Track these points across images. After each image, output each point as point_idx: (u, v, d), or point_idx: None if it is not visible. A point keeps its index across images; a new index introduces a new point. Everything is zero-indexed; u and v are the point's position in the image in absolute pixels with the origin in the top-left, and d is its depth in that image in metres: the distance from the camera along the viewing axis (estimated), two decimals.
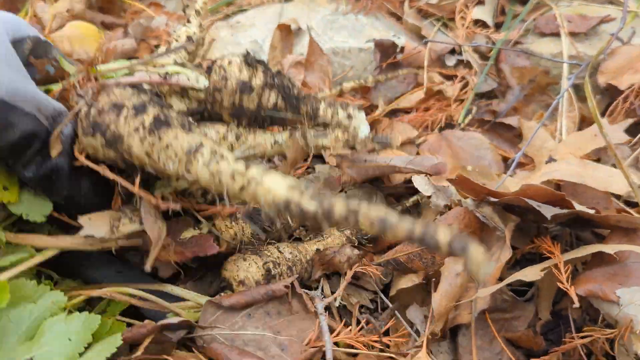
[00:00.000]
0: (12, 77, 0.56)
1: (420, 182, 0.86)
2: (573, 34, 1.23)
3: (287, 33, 1.19)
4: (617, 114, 1.05)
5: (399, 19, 1.33)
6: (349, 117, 0.77)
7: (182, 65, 0.74)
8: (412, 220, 0.47)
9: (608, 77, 1.13)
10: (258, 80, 0.73)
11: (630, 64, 1.11)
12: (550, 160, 0.88)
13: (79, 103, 0.64)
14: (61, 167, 0.61)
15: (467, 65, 1.20)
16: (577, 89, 1.19)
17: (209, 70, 0.74)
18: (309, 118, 0.77)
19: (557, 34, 1.24)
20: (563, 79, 1.15)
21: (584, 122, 1.13)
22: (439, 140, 1.08)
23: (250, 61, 0.74)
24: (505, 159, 1.04)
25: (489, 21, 1.27)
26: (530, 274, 0.69)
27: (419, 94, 1.12)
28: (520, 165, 0.99)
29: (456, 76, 1.20)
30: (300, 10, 1.31)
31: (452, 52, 1.22)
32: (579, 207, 0.71)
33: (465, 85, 1.16)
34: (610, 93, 1.15)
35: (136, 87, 0.66)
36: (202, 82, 0.73)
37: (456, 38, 1.23)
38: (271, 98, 0.74)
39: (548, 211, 0.69)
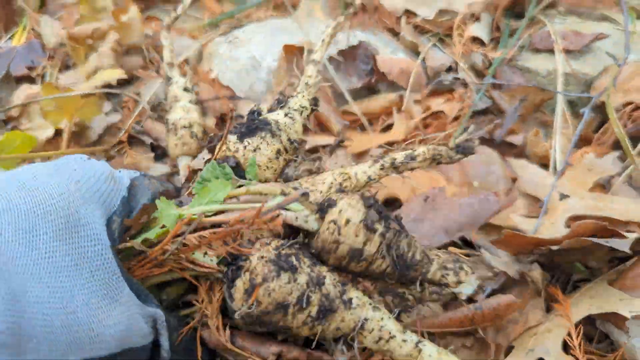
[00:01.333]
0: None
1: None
2: (567, 51, 1.25)
3: (292, 53, 1.20)
4: (609, 133, 1.08)
5: (395, 34, 1.34)
6: (459, 282, 0.71)
7: (288, 196, 0.66)
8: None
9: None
10: (373, 247, 0.67)
11: (622, 83, 1.13)
12: (563, 197, 0.89)
13: (234, 295, 0.62)
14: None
15: (465, 83, 1.22)
16: (572, 105, 1.21)
17: (321, 211, 0.68)
18: (413, 282, 0.72)
19: (551, 51, 1.26)
20: (558, 96, 1.18)
21: (580, 139, 1.15)
22: None
23: (370, 223, 0.66)
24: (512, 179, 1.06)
25: (485, 38, 1.29)
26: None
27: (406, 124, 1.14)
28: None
29: (453, 90, 1.22)
30: (298, 26, 1.32)
31: (449, 69, 1.24)
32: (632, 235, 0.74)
33: (463, 104, 1.18)
34: (602, 110, 1.17)
35: (283, 261, 0.63)
36: (312, 224, 0.67)
37: (453, 55, 1.24)
38: (382, 267, 0.69)
39: (621, 244, 0.71)
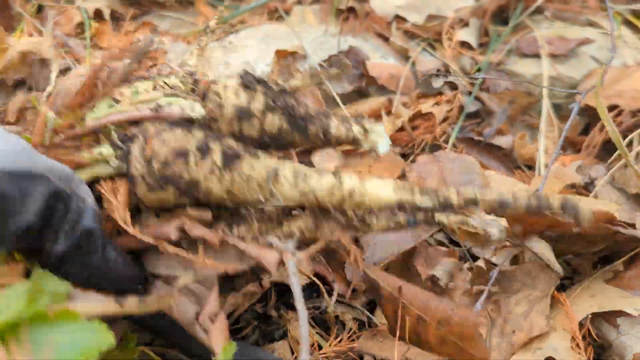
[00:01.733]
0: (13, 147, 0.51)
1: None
2: (553, 56, 1.28)
3: (285, 59, 1.23)
4: (597, 139, 1.11)
5: (386, 39, 1.37)
6: (365, 130, 0.69)
7: (174, 94, 0.69)
8: (525, 195, 0.56)
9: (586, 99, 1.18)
10: (258, 103, 0.67)
11: (606, 87, 1.16)
12: None
13: (132, 161, 0.60)
14: (94, 230, 0.55)
15: (453, 86, 1.25)
16: (557, 108, 1.24)
17: (204, 97, 0.69)
18: (319, 139, 0.70)
19: (538, 55, 1.30)
20: (543, 99, 1.21)
21: (565, 142, 1.18)
22: (431, 161, 1.12)
23: (248, 82, 0.69)
24: None
25: (474, 43, 1.32)
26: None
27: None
28: None
29: (441, 93, 1.25)
30: (290, 31, 1.35)
31: (438, 72, 1.27)
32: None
33: (451, 107, 1.21)
34: (588, 113, 1.20)
35: (176, 123, 0.63)
36: (198, 110, 0.67)
37: (443, 58, 1.27)
38: (275, 122, 0.68)
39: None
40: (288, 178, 0.59)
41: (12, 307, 0.44)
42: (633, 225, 0.82)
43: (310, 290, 0.94)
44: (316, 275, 0.93)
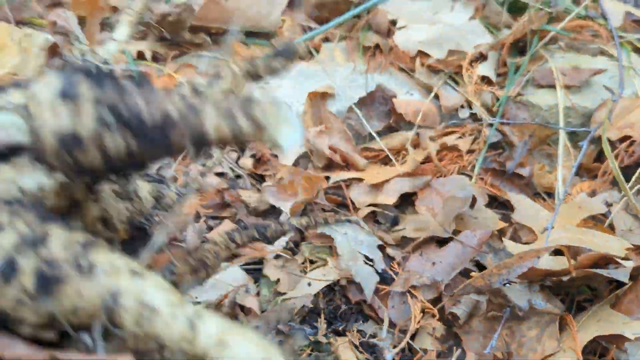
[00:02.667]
0: None
1: None
2: (567, 86, 1.37)
3: (317, 100, 1.34)
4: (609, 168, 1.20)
5: (410, 73, 1.47)
6: (260, 126, 0.48)
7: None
8: None
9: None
10: (86, 120, 0.46)
11: (618, 118, 1.25)
12: (547, 228, 1.02)
13: None
14: None
15: (475, 119, 1.35)
16: (573, 135, 1.34)
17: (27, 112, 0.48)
18: (192, 144, 0.49)
19: (553, 86, 1.39)
20: (560, 131, 1.30)
21: (581, 169, 1.28)
22: (430, 192, 1.23)
23: (68, 89, 0.46)
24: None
25: (493, 77, 1.41)
26: None
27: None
28: (514, 236, 1.15)
29: (465, 127, 1.35)
30: (321, 69, 1.46)
31: (461, 107, 1.37)
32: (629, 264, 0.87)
33: (475, 138, 1.31)
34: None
35: None
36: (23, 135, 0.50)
37: (466, 94, 1.37)
38: (118, 142, 0.47)
39: (620, 274, 0.85)
40: (131, 311, 0.44)
41: None
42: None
43: (358, 313, 1.05)
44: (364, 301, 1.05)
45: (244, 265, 1.12)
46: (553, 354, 0.87)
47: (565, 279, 0.89)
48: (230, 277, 1.04)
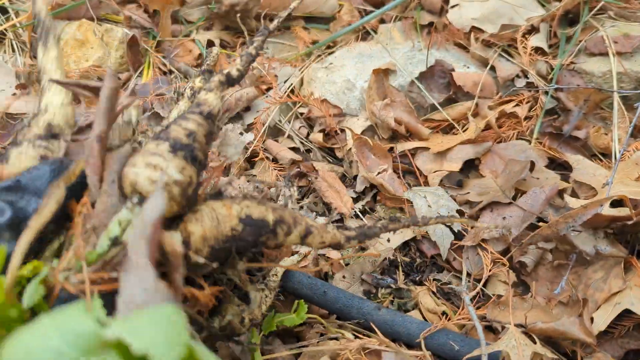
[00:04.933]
0: None
1: None
2: (619, 53, 1.44)
3: (380, 76, 1.44)
4: None
5: (465, 48, 1.56)
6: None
7: None
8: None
9: None
10: None
11: None
12: (607, 183, 1.10)
13: None
14: None
15: (531, 87, 1.43)
16: (626, 99, 1.40)
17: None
18: None
19: (605, 54, 1.46)
20: (614, 94, 1.37)
21: (636, 130, 1.35)
22: (492, 157, 1.33)
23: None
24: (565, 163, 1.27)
25: (546, 47, 1.49)
26: None
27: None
28: (573, 194, 1.23)
29: (522, 95, 1.44)
30: (381, 49, 1.55)
31: (517, 77, 1.45)
32: None
33: (532, 105, 1.39)
34: None
35: None
36: None
37: (521, 64, 1.45)
38: None
39: None
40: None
41: None
42: None
43: (432, 265, 1.16)
44: (439, 255, 1.15)
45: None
46: (620, 291, 0.96)
47: (629, 222, 0.97)
48: None
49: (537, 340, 0.92)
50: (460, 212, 1.22)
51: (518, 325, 0.96)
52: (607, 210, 1.03)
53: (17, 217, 0.57)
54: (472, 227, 1.17)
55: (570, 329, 0.91)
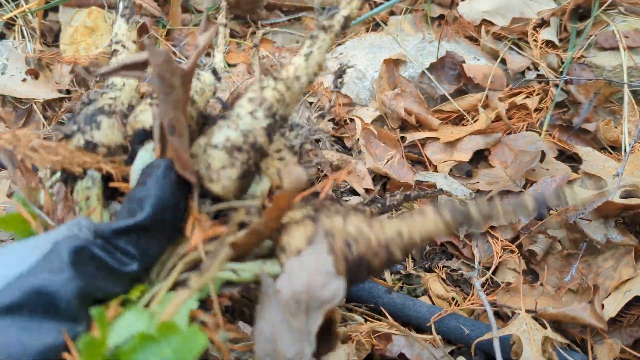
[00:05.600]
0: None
1: None
2: (630, 48, 1.44)
3: (391, 66, 1.44)
4: None
5: (475, 41, 1.56)
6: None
7: None
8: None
9: None
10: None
11: None
12: (617, 174, 1.10)
13: None
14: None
15: (541, 81, 1.43)
16: (636, 93, 1.40)
17: None
18: None
19: (616, 48, 1.46)
20: (624, 88, 1.37)
21: None
22: (502, 148, 1.33)
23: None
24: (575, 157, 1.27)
25: (556, 40, 1.49)
26: None
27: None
28: (582, 187, 1.23)
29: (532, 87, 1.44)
30: (391, 40, 1.56)
31: (528, 70, 1.45)
32: None
33: (542, 98, 1.39)
34: None
35: None
36: None
37: (532, 57, 1.46)
38: None
39: None
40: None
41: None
42: None
43: (442, 252, 1.16)
44: (448, 243, 1.15)
45: None
46: (630, 279, 0.96)
47: None
48: None
49: (547, 325, 0.93)
50: (476, 193, 1.22)
51: (528, 311, 0.96)
52: (617, 199, 1.03)
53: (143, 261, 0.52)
54: None
55: (581, 314, 0.91)
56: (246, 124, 0.60)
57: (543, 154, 1.26)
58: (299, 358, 0.49)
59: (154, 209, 0.51)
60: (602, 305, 0.96)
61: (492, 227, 1.16)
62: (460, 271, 1.11)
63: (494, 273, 1.11)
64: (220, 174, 0.57)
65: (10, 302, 0.43)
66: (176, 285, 0.53)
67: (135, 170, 0.60)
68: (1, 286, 0.44)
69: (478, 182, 1.29)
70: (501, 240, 1.14)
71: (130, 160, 0.62)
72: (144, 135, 0.62)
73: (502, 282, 1.09)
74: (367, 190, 1.28)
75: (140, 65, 0.56)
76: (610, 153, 1.33)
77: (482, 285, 1.09)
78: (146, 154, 0.60)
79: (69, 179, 0.62)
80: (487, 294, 1.04)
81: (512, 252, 1.11)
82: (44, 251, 0.47)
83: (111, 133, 0.63)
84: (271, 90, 0.61)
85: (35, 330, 0.44)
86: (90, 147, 0.61)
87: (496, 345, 0.86)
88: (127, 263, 0.50)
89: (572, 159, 1.33)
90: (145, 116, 0.62)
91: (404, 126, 1.44)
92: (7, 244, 0.50)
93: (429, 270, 1.13)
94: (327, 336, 0.54)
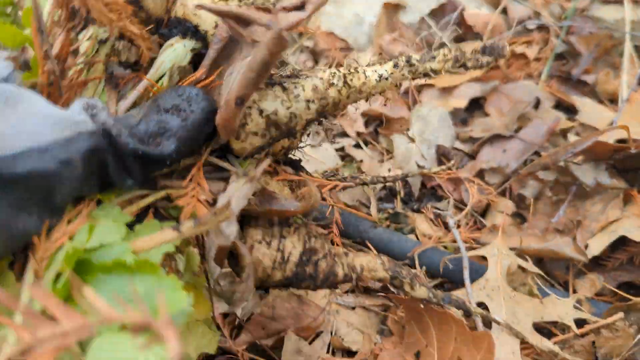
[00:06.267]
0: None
1: None
2: (634, 1, 1.41)
3: (390, 11, 1.42)
4: None
5: None
6: None
7: None
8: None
9: None
10: None
11: None
12: (612, 123, 1.09)
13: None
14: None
15: (542, 30, 1.41)
16: (637, 48, 1.38)
17: None
18: None
19: (619, 2, 1.43)
20: (625, 41, 1.35)
21: None
22: (498, 96, 1.32)
23: None
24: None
25: None
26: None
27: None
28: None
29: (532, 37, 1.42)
30: None
31: (529, 19, 1.43)
32: None
33: (542, 47, 1.38)
34: None
35: None
36: None
37: (533, 7, 1.43)
38: None
39: None
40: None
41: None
42: None
43: (431, 195, 1.16)
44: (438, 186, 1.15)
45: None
46: (617, 220, 0.96)
47: (633, 151, 0.97)
48: (321, 155, 1.15)
49: (529, 260, 0.93)
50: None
51: (513, 249, 0.96)
52: (609, 140, 1.02)
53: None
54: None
55: (563, 248, 0.92)
56: (298, 109, 0.60)
57: (538, 99, 1.25)
58: None
59: (178, 148, 0.50)
60: (587, 246, 0.96)
61: (482, 171, 1.15)
62: (439, 210, 1.11)
63: (483, 216, 1.11)
64: (249, 137, 0.58)
65: (11, 175, 0.42)
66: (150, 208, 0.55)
67: (160, 61, 0.59)
68: (13, 151, 0.42)
69: (472, 130, 1.28)
70: (488, 184, 1.13)
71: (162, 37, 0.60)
72: (184, 28, 0.60)
73: (490, 225, 1.09)
74: (358, 134, 1.27)
75: (248, 24, 0.54)
76: (607, 106, 1.32)
77: (472, 227, 1.09)
78: (179, 49, 0.59)
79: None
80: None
81: (502, 195, 1.11)
82: (60, 133, 0.46)
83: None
84: (336, 91, 0.62)
85: (24, 212, 0.43)
86: (134, 2, 0.58)
87: (466, 275, 0.87)
88: (126, 181, 0.51)
89: (569, 111, 1.32)
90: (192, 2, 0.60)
91: None
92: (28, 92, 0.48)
93: (418, 211, 1.13)
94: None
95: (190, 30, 0.60)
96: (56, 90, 0.54)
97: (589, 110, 1.25)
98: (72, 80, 0.57)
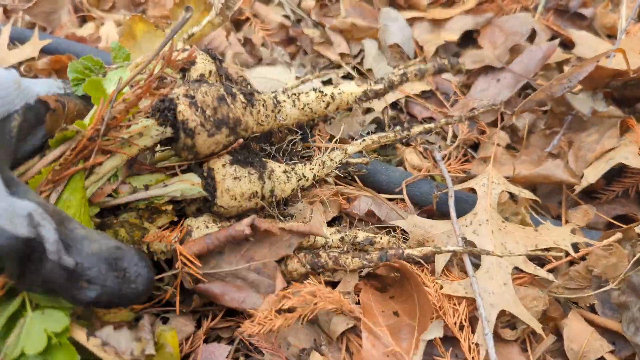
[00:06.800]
0: None
1: None
2: None
3: None
4: None
5: None
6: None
7: None
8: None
9: None
10: None
11: None
12: (609, 54, 1.04)
13: (185, 117, 0.67)
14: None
15: None
16: None
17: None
18: None
19: None
20: None
21: None
22: (492, 29, 1.26)
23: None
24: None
25: None
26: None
27: None
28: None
29: None
30: None
31: None
32: None
33: None
34: None
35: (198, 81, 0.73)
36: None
37: None
38: None
39: None
40: (287, 101, 0.81)
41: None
42: None
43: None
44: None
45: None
46: (613, 148, 0.92)
47: (632, 76, 0.92)
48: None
49: (520, 189, 0.89)
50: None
51: (506, 177, 0.92)
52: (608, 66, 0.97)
53: None
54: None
55: (554, 171, 0.88)
56: (277, 184, 0.78)
57: (533, 33, 1.19)
58: None
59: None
60: (582, 176, 0.92)
61: (474, 109, 1.10)
62: (434, 144, 1.06)
63: (476, 151, 1.07)
64: (230, 201, 0.73)
65: None
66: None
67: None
68: None
69: (464, 63, 1.23)
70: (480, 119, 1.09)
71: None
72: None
73: (481, 157, 1.05)
74: (341, 55, 1.22)
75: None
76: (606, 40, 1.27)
77: (462, 159, 1.05)
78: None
79: None
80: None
81: (495, 125, 1.07)
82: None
83: None
84: (309, 171, 0.82)
85: None
86: None
87: (451, 203, 0.84)
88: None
89: (565, 46, 1.26)
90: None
91: (392, 5, 1.35)
92: None
93: (407, 144, 1.09)
94: None
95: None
96: (92, 145, 0.63)
97: (586, 42, 1.20)
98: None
